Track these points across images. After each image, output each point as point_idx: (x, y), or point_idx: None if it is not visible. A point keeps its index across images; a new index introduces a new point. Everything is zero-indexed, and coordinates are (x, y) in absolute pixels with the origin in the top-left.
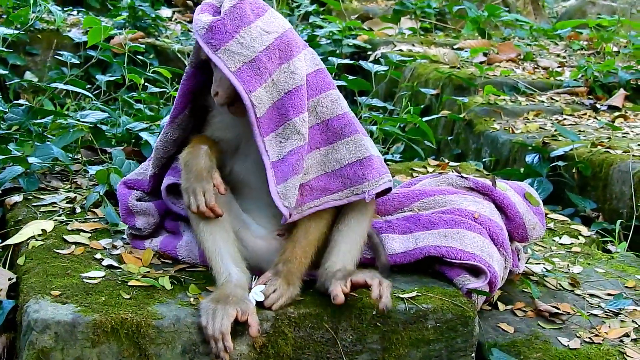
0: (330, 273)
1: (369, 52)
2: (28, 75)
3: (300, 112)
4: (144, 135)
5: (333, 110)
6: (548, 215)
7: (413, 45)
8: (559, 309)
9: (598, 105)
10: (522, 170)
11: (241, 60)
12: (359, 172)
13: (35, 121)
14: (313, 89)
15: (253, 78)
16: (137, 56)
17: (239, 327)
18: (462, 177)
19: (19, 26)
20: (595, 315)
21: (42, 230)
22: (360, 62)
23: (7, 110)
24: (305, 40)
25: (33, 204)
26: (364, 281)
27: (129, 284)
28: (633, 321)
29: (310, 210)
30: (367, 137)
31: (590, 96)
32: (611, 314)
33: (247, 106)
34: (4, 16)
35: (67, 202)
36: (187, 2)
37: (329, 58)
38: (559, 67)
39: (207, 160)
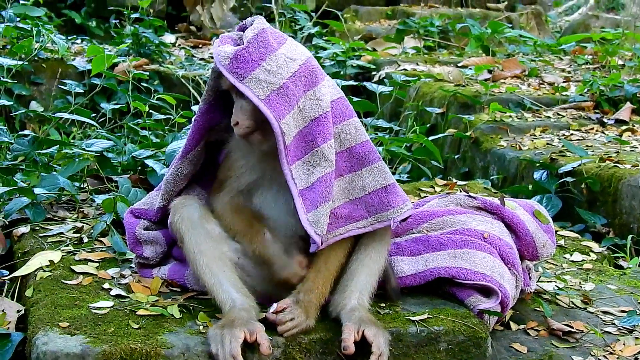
0: (347, 308)
1: (373, 73)
2: (33, 104)
3: (328, 138)
4: (150, 162)
5: (357, 138)
6: (558, 232)
7: (417, 64)
8: (572, 328)
9: (605, 120)
10: (530, 187)
11: (269, 88)
12: (384, 199)
13: (41, 151)
14: (337, 116)
15: (282, 105)
16: (142, 83)
17: (250, 354)
18: (470, 196)
19: (23, 56)
20: (609, 332)
21: (49, 261)
22: (365, 83)
23: (12, 141)
24: None
25: (40, 234)
26: (371, 342)
27: (137, 313)
28: None
29: (336, 238)
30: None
31: (596, 110)
32: (625, 331)
33: (277, 134)
34: (8, 47)
35: (74, 232)
36: (190, 27)
37: (334, 80)
38: (564, 82)
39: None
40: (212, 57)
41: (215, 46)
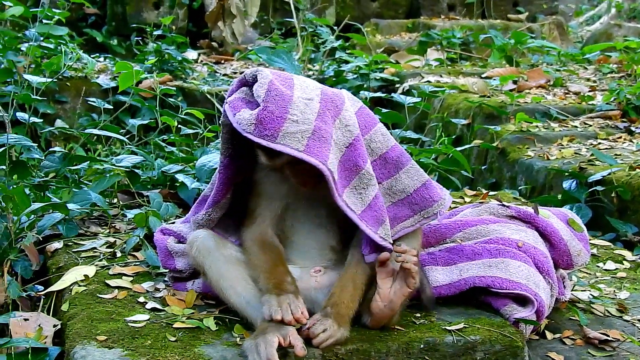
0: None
1: (397, 85)
2: (59, 123)
3: (367, 159)
4: (180, 177)
5: (386, 144)
6: (590, 241)
7: (441, 76)
8: (608, 336)
9: (632, 128)
10: (559, 196)
11: (305, 137)
12: (426, 196)
13: (71, 168)
14: (363, 127)
15: (322, 147)
16: (167, 99)
17: None
18: (503, 205)
19: (46, 74)
20: None
21: (84, 275)
22: (393, 95)
23: (43, 157)
24: (332, 76)
25: (73, 250)
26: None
27: (174, 326)
28: None
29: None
30: None
31: (623, 119)
32: None
33: (327, 177)
34: (32, 66)
35: (107, 247)
36: (212, 43)
37: (360, 92)
38: (590, 91)
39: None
40: (234, 73)
41: (230, 116)
